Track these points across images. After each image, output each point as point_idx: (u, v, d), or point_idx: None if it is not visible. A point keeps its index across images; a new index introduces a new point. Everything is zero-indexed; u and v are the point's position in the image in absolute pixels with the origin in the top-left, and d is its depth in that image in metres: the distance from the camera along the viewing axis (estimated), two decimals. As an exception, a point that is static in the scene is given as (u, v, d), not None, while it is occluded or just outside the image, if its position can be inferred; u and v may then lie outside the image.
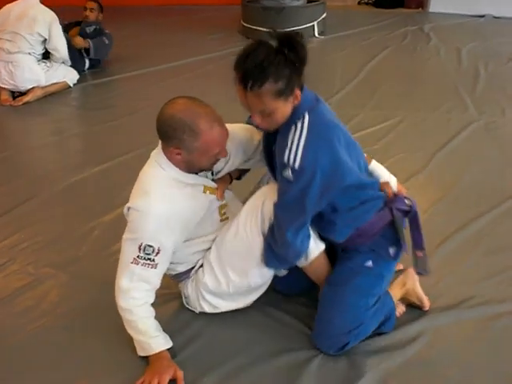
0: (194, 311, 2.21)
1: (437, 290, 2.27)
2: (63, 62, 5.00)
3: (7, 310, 2.31)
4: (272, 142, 1.92)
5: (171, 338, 2.02)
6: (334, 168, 1.77)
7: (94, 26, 5.47)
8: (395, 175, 2.11)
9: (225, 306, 2.16)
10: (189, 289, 2.17)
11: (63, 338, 2.15)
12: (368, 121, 4.01)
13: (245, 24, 6.56)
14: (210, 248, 2.10)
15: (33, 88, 4.80)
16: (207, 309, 2.17)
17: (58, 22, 4.84)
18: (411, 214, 1.99)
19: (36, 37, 4.73)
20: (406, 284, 2.18)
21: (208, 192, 2.04)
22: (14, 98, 4.82)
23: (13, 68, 4.73)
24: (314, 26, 6.43)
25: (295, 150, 1.76)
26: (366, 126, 3.92)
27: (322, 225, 1.96)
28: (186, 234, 2.01)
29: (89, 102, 4.93)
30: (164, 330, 2.02)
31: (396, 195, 2.02)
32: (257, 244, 1.97)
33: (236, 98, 1.78)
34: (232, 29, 6.82)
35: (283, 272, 2.15)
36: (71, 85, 5.05)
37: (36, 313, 2.28)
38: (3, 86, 4.80)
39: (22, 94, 4.83)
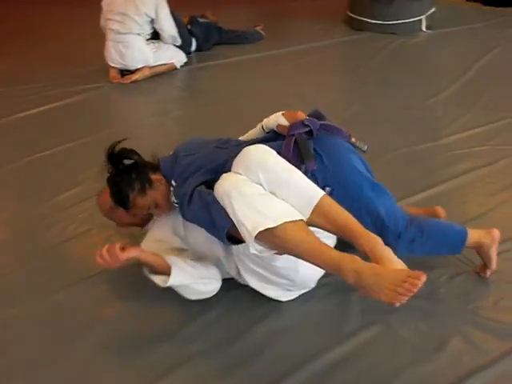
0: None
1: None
2: (174, 44, 5.09)
3: None
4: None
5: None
6: None
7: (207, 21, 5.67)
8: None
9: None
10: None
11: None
12: (475, 121, 3.86)
13: (351, 14, 6.47)
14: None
15: (141, 67, 4.92)
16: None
17: (164, 1, 4.89)
18: (314, 130, 2.23)
19: (144, 17, 4.81)
20: (485, 238, 2.23)
21: None
22: (123, 75, 4.97)
23: (123, 48, 4.85)
24: (421, 19, 6.27)
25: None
26: (473, 126, 3.78)
27: None
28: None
29: (193, 85, 5.05)
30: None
31: (291, 124, 2.26)
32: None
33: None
34: (336, 19, 6.73)
35: None
36: (178, 66, 5.14)
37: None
38: (113, 64, 4.94)
39: (131, 72, 4.96)
